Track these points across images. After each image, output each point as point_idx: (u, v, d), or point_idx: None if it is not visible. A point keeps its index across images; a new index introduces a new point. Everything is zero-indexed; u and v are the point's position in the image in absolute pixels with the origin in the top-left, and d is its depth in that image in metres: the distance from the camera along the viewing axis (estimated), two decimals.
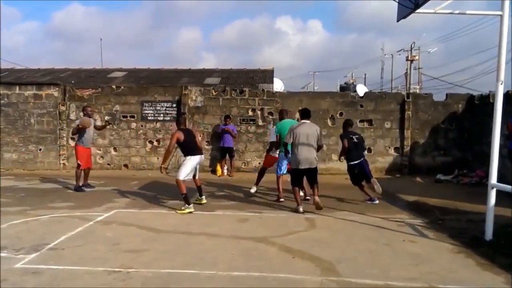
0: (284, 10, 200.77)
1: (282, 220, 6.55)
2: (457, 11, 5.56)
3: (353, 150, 7.86)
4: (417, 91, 27.90)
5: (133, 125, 12.21)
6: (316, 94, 13.96)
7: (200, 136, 10.68)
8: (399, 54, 35.42)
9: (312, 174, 7.08)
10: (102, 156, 12.22)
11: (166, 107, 12.16)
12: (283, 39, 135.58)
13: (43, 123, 12.25)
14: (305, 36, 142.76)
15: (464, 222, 6.29)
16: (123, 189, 9.00)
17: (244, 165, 12.07)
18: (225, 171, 11.59)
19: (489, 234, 5.25)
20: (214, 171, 11.64)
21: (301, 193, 7.65)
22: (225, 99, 12.13)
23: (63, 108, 12.17)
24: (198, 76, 17.17)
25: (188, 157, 7.12)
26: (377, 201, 7.81)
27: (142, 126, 12.21)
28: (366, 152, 9.00)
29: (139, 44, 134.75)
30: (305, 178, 7.25)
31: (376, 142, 11.97)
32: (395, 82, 36.36)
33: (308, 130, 6.97)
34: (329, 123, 11.97)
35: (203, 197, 7.57)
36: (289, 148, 7.09)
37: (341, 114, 11.94)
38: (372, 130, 11.96)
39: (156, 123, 12.19)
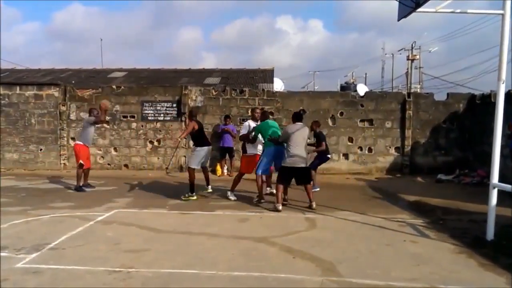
0: (285, 9, 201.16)
1: (282, 220, 6.54)
2: (458, 10, 5.56)
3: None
4: (418, 90, 27.84)
5: (133, 125, 12.22)
6: (317, 93, 13.95)
7: None
8: (400, 54, 35.31)
9: (305, 172, 7.30)
10: (102, 156, 12.23)
11: (166, 107, 12.17)
12: (284, 39, 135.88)
13: (44, 123, 12.26)
14: (305, 36, 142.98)
15: (465, 222, 6.29)
16: (123, 189, 9.00)
17: None
18: (225, 171, 11.60)
19: (490, 234, 5.25)
20: (214, 171, 11.60)
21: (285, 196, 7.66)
22: (225, 99, 12.14)
23: (63, 108, 12.18)
24: (198, 76, 17.19)
25: (199, 148, 7.83)
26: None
27: (142, 126, 12.22)
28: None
29: (139, 44, 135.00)
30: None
31: (377, 142, 11.95)
32: (395, 81, 36.37)
33: (302, 132, 7.26)
34: (330, 122, 11.96)
35: (209, 186, 8.09)
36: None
37: (341, 113, 11.94)
38: (372, 129, 11.95)
39: (156, 123, 12.20)
